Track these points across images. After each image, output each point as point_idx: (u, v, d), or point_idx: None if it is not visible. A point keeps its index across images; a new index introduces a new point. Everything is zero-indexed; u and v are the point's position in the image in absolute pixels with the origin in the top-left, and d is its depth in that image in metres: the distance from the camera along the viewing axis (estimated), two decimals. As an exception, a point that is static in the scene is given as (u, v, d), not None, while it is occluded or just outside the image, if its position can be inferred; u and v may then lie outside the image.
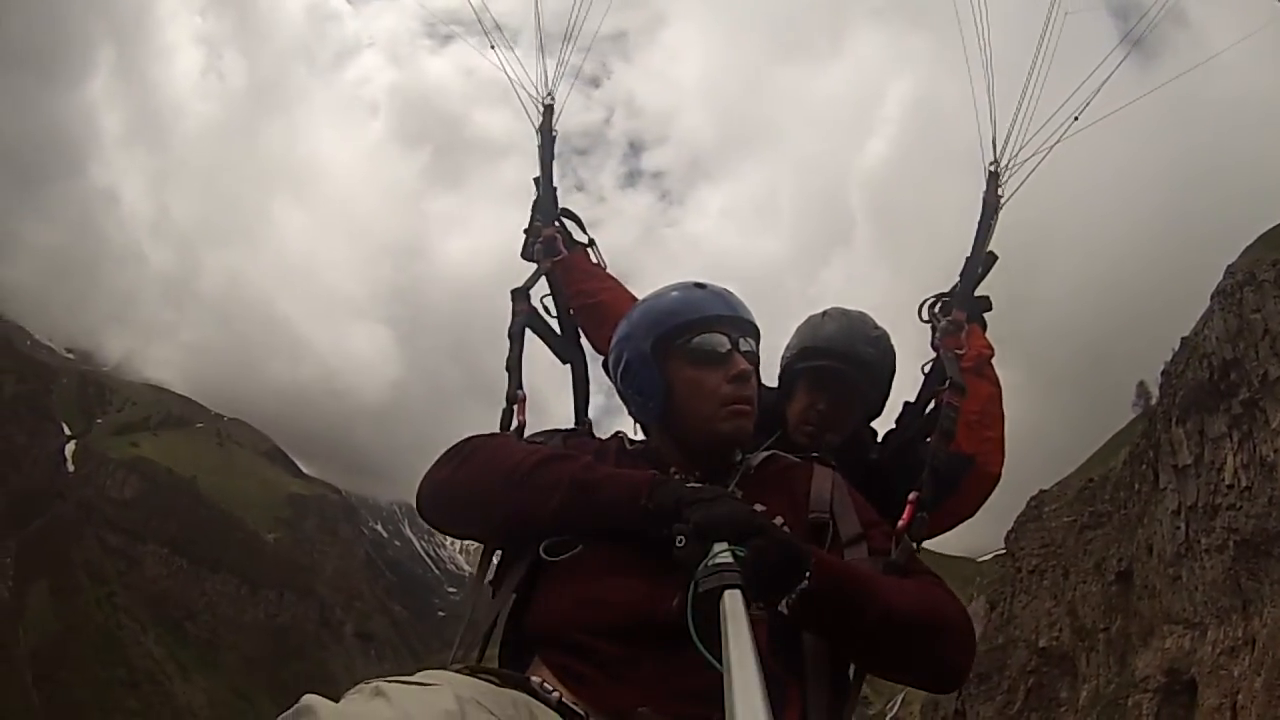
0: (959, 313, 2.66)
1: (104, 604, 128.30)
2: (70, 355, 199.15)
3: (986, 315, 2.80)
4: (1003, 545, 59.61)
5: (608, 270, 3.05)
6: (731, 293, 2.14)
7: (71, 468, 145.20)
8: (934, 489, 2.24)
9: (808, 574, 1.62)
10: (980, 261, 2.73)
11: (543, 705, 1.60)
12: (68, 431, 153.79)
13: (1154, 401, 50.65)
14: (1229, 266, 37.76)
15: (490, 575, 2.05)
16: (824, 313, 2.83)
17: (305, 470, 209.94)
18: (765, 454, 2.13)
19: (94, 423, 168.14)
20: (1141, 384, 67.58)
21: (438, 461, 2.02)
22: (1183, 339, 40.28)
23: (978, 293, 2.75)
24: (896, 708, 79.25)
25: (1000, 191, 2.72)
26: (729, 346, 2.04)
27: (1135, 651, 41.17)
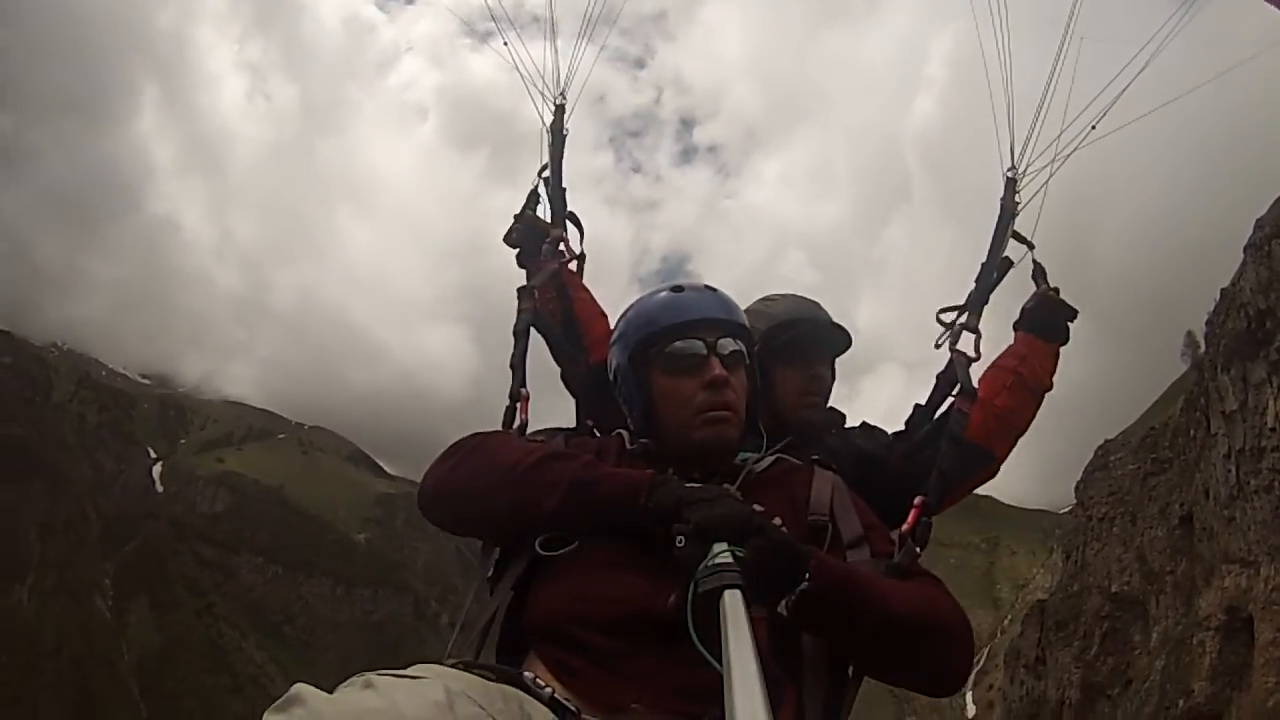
0: (971, 317, 2.59)
1: (204, 615, 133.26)
2: (146, 381, 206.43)
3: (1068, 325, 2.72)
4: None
5: (584, 285, 3.03)
6: (715, 291, 2.14)
7: (160, 488, 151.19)
8: (940, 494, 2.21)
9: (807, 575, 1.63)
10: (995, 267, 2.65)
11: (534, 700, 1.60)
12: (153, 454, 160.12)
13: (1201, 351, 52.20)
14: (1258, 220, 38.38)
15: (490, 571, 2.06)
16: (764, 299, 2.82)
17: (390, 471, 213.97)
18: (771, 458, 2.12)
19: (178, 443, 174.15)
20: (1189, 334, 67.53)
21: (439, 458, 2.04)
22: (1222, 290, 41.29)
23: (1062, 297, 2.70)
24: (983, 660, 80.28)
25: (1017, 198, 2.67)
26: (704, 351, 2.02)
27: (1199, 592, 41.55)
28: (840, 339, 2.79)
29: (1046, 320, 2.67)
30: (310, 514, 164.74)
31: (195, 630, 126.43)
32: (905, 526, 2.08)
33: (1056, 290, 2.69)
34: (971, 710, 73.66)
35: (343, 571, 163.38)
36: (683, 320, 2.04)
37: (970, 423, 2.47)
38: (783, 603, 1.64)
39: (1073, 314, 2.69)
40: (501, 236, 3.02)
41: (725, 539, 1.58)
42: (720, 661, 1.22)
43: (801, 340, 2.65)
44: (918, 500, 2.15)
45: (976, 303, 2.64)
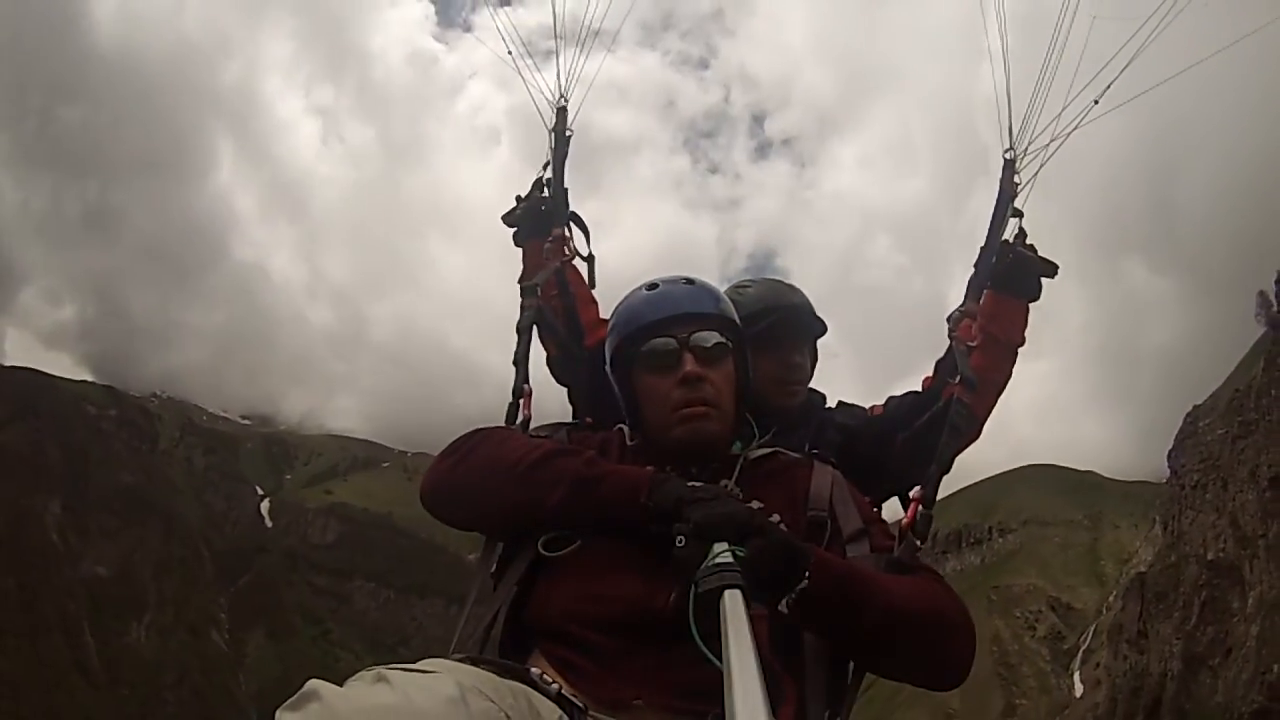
0: (971, 303, 2.55)
1: (319, 641, 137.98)
2: (247, 421, 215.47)
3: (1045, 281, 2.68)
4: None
5: (593, 290, 3.02)
6: (693, 283, 2.13)
7: (270, 523, 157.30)
8: (937, 486, 2.20)
9: (807, 574, 1.66)
10: (995, 250, 2.59)
11: (541, 696, 1.63)
12: (260, 491, 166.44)
13: (1275, 309, 52.53)
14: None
15: (493, 568, 2.08)
16: (734, 286, 2.82)
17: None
18: (767, 450, 2.12)
19: (284, 479, 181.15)
20: (1261, 294, 63.90)
21: (442, 454, 2.05)
22: (1289, 247, 40.29)
23: (1043, 255, 2.64)
24: (1089, 638, 78.40)
25: (1017, 179, 2.63)
26: (676, 348, 2.03)
27: (1293, 554, 41.93)
28: (815, 325, 2.81)
29: (1016, 276, 2.59)
30: (420, 537, 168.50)
31: (312, 656, 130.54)
32: (905, 521, 2.07)
33: (1033, 247, 2.60)
34: (1080, 690, 70.77)
35: (455, 591, 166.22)
36: (656, 318, 2.04)
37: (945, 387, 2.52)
38: (783, 602, 1.65)
39: (1051, 269, 2.62)
40: (500, 216, 3.06)
41: (725, 538, 1.59)
42: (721, 661, 1.22)
43: (775, 329, 2.63)
44: (915, 493, 2.13)
45: (976, 286, 2.59)
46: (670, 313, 2.04)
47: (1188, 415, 55.42)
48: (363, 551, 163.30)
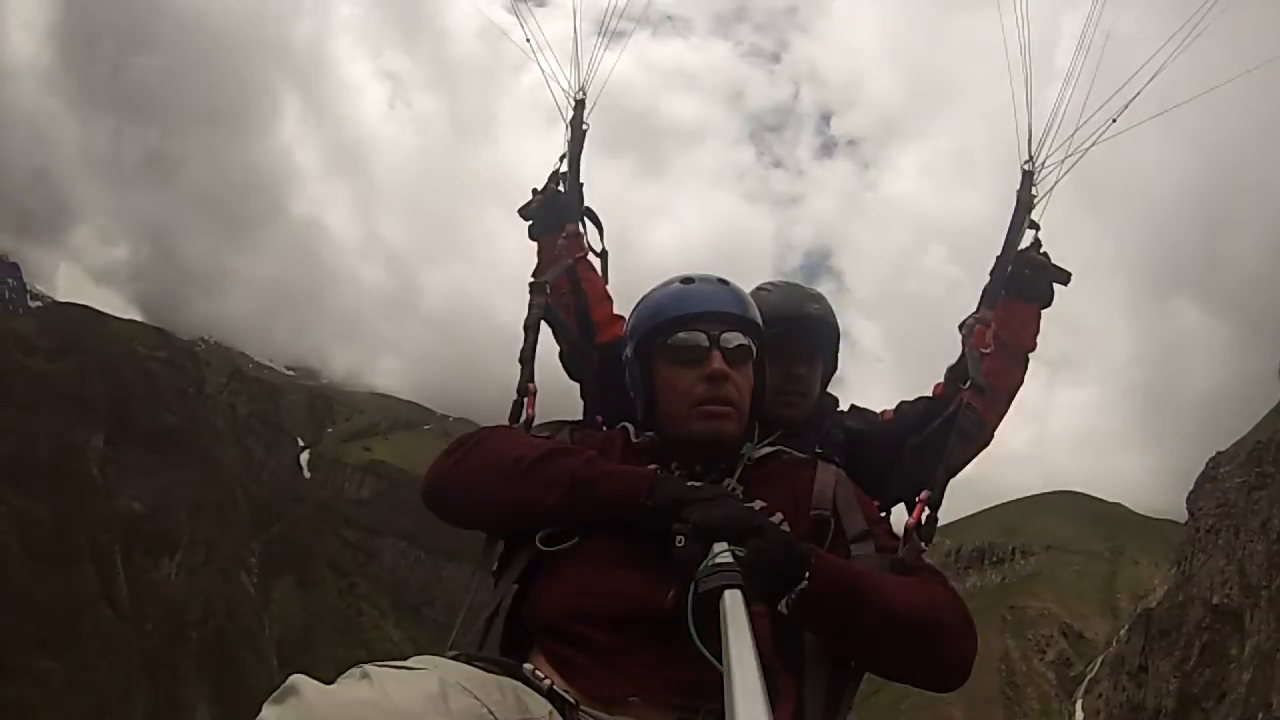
0: (986, 311, 2.59)
1: (345, 594, 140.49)
2: (291, 373, 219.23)
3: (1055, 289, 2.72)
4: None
5: (607, 286, 3.03)
6: (727, 284, 2.14)
7: (308, 474, 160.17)
8: (943, 489, 2.22)
9: (807, 574, 1.67)
10: (1010, 261, 2.63)
11: (533, 691, 1.64)
12: (301, 443, 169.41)
13: None
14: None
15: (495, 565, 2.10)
16: (758, 287, 2.79)
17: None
18: (769, 449, 2.13)
19: (325, 432, 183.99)
20: None
21: (444, 453, 2.08)
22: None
23: (1056, 263, 2.69)
24: (1095, 668, 77.95)
25: (1034, 191, 2.65)
26: (706, 344, 2.03)
27: (1290, 608, 42.33)
28: (828, 337, 2.82)
29: (1030, 281, 2.62)
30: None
31: (336, 608, 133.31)
32: (910, 521, 2.09)
33: (1047, 255, 2.63)
34: (1080, 716, 71.16)
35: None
36: (688, 312, 2.05)
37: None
38: (783, 602, 1.67)
39: (1064, 276, 2.64)
40: (517, 210, 3.05)
41: (725, 538, 1.59)
42: (720, 661, 1.22)
43: (783, 339, 2.58)
44: (922, 495, 2.14)
45: (992, 294, 2.60)
46: (703, 309, 2.05)
47: (1210, 460, 56.01)
48: (396, 510, 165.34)
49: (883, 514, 2.19)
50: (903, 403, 2.82)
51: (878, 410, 2.87)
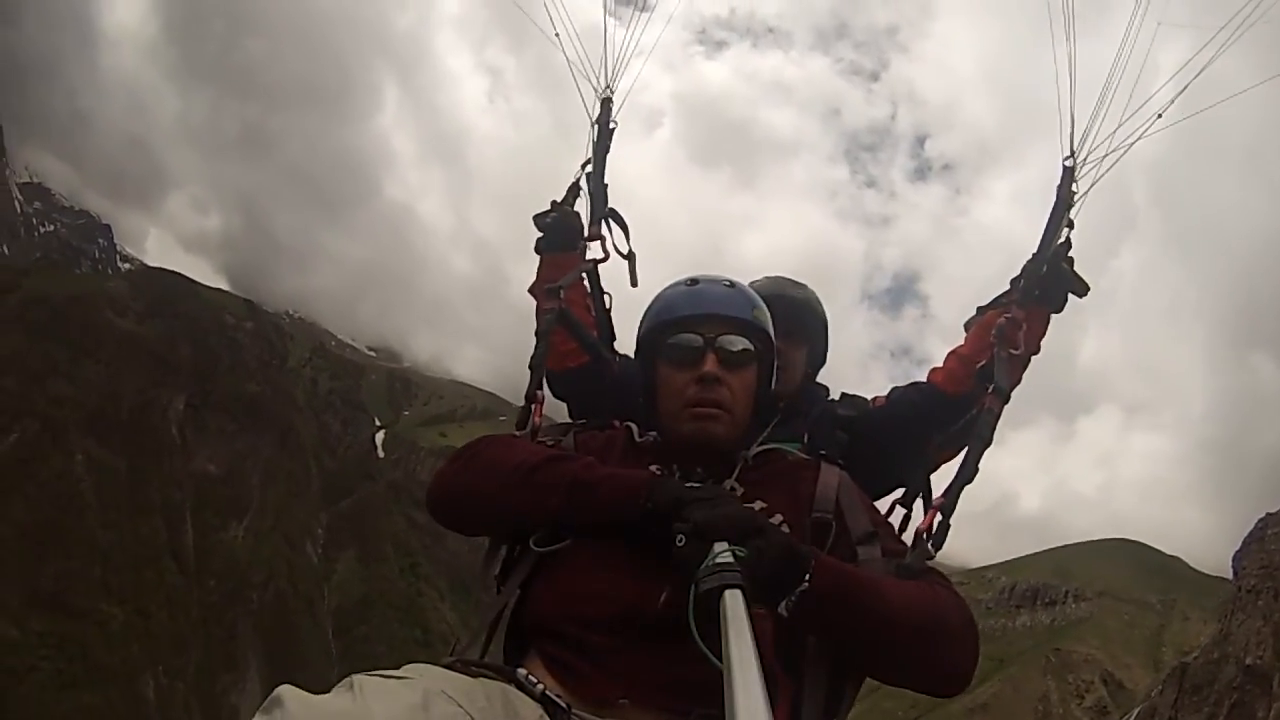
0: (1018, 310, 2.55)
1: (407, 573, 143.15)
2: (373, 354, 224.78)
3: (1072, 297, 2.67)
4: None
5: (636, 286, 3.03)
6: (734, 286, 2.16)
7: (382, 454, 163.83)
8: (957, 497, 2.20)
9: (808, 576, 1.68)
10: (1045, 260, 2.60)
11: (525, 696, 1.70)
12: (378, 422, 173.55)
13: None
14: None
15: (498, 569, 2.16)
16: (748, 284, 2.89)
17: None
18: (764, 448, 2.16)
19: (402, 414, 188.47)
20: None
21: (448, 461, 2.16)
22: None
23: (1077, 272, 2.64)
24: (1133, 717, 75.80)
25: (1075, 188, 2.64)
26: (700, 346, 2.07)
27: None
28: (811, 322, 2.92)
29: (1050, 287, 2.59)
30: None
31: (397, 585, 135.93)
32: (922, 525, 2.09)
33: (1072, 260, 2.59)
34: None
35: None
36: (688, 314, 2.09)
37: (956, 379, 2.61)
38: (783, 603, 1.67)
39: (1083, 288, 2.60)
40: (532, 216, 3.03)
41: (726, 539, 1.60)
42: (721, 661, 1.23)
43: None
44: (937, 501, 2.15)
45: (1026, 293, 2.58)
46: (703, 311, 2.08)
47: (1260, 521, 55.00)
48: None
49: (890, 507, 2.26)
50: (894, 388, 2.83)
51: (869, 397, 2.88)
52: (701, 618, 1.48)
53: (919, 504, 2.53)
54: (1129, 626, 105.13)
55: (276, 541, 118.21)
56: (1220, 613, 59.99)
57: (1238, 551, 56.73)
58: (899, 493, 2.55)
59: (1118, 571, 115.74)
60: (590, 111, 3.09)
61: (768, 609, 1.65)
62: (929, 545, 2.02)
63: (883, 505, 2.41)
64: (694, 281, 2.14)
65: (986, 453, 2.27)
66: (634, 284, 2.99)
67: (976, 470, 2.20)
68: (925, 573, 1.94)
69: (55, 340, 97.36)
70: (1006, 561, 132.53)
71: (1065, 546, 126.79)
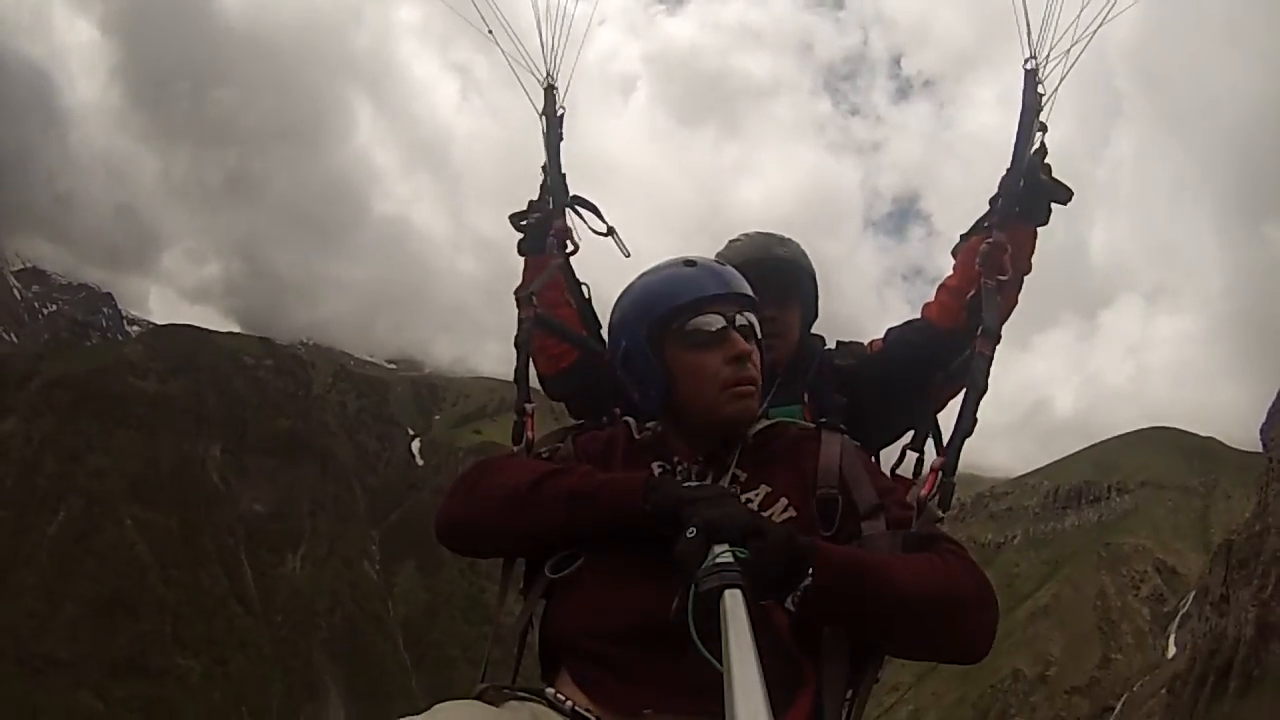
0: (999, 234, 2.41)
1: (466, 574, 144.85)
2: (393, 366, 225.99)
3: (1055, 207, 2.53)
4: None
5: (629, 257, 2.93)
6: (724, 265, 2.15)
7: (420, 462, 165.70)
8: (957, 455, 2.11)
9: (810, 571, 1.66)
10: (1021, 174, 2.46)
11: (555, 714, 1.72)
12: (411, 432, 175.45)
13: None
14: None
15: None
16: (729, 242, 2.93)
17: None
18: (766, 424, 2.12)
19: (433, 419, 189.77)
20: None
21: (450, 492, 2.12)
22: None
23: (1056, 178, 2.50)
24: (1188, 603, 77.40)
25: (1040, 90, 2.44)
26: (724, 325, 2.03)
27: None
28: (800, 278, 2.88)
29: (1032, 201, 2.48)
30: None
31: (459, 587, 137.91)
32: (923, 492, 2.01)
33: (1049, 168, 2.46)
34: (1172, 651, 71.24)
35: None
36: (703, 295, 2.05)
37: (949, 312, 2.53)
38: (788, 600, 1.66)
39: (1065, 195, 2.48)
40: (509, 216, 2.95)
41: (727, 539, 1.59)
42: (720, 661, 1.23)
43: (752, 284, 2.52)
44: (936, 463, 2.09)
45: (1005, 213, 2.46)
46: (716, 290, 2.06)
47: None
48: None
49: (901, 453, 2.25)
50: (890, 330, 2.76)
51: (865, 342, 2.81)
52: (702, 618, 1.48)
53: (930, 444, 2.45)
54: (1174, 513, 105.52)
55: (334, 566, 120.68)
56: (1258, 485, 59.87)
57: (1265, 424, 56.82)
58: (908, 437, 2.49)
59: (1157, 460, 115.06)
60: (534, 103, 3.00)
61: (775, 604, 1.67)
62: (936, 508, 1.96)
63: (894, 451, 2.47)
64: (690, 263, 2.10)
65: (1000, 382, 2.21)
66: (626, 255, 2.90)
67: (975, 420, 2.12)
68: (934, 540, 1.90)
69: (84, 416, 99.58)
70: (1048, 465, 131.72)
71: (1103, 442, 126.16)
